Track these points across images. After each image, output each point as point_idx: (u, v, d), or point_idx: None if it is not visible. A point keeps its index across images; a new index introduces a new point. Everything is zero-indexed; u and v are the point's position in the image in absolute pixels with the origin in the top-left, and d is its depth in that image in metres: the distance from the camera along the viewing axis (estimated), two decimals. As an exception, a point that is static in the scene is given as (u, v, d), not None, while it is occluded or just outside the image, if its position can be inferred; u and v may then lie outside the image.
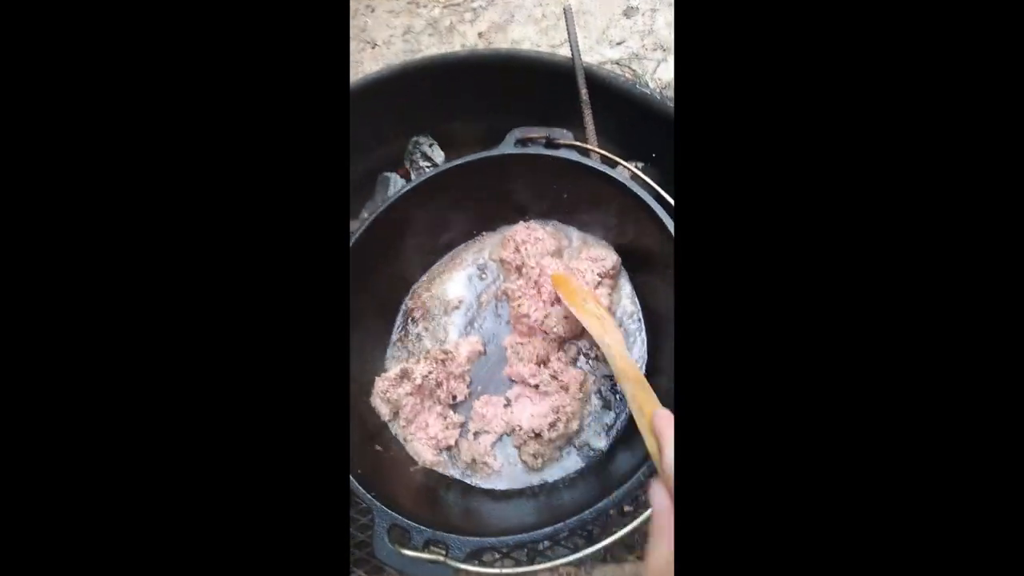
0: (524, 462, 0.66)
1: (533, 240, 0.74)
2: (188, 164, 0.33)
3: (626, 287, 0.75)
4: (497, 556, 0.61)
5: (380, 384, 0.70)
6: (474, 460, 0.66)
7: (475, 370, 0.74)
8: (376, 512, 0.54)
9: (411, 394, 0.69)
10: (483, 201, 0.77)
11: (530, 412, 0.66)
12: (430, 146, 1.22)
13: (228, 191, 0.33)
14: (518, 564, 0.53)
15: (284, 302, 0.33)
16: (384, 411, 0.70)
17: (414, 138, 1.21)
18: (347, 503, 0.66)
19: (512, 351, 0.72)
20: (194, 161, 0.33)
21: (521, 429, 0.66)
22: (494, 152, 0.69)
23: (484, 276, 0.80)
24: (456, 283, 0.80)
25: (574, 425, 0.66)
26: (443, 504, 0.62)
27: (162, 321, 0.32)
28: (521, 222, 0.78)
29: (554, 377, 0.68)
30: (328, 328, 0.34)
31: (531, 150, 0.68)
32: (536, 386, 0.68)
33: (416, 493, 0.63)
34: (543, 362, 0.70)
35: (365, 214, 0.98)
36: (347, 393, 0.63)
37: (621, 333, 0.64)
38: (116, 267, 0.31)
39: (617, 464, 0.63)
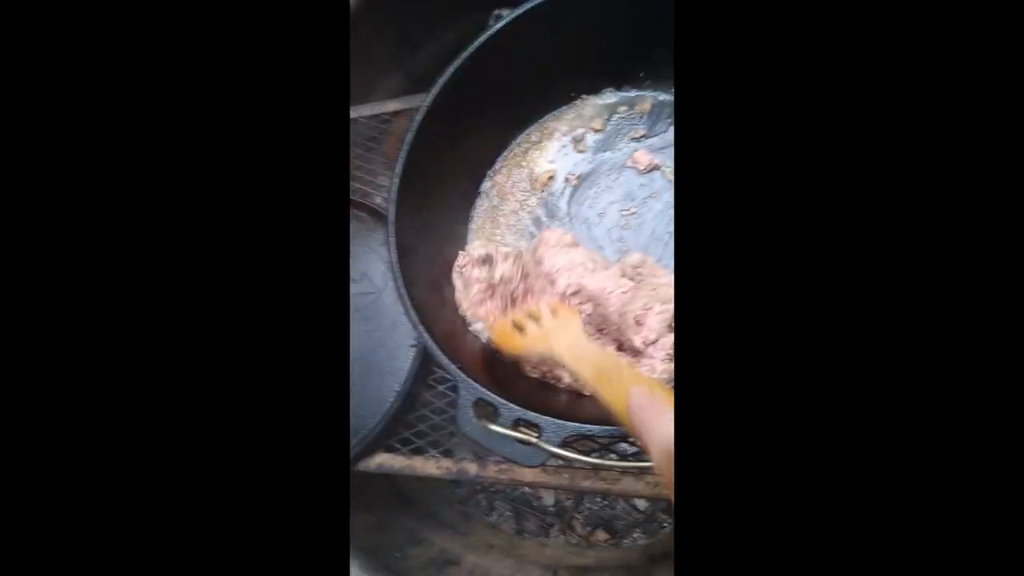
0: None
1: None
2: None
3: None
4: (594, 447, 0.55)
5: (460, 259, 0.63)
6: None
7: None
8: (460, 384, 0.48)
9: (483, 283, 0.62)
10: (590, 50, 0.64)
11: None
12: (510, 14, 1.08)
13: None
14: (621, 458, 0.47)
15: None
16: (459, 285, 0.63)
17: (496, 11, 1.07)
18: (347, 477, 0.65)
19: None
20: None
21: None
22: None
23: (583, 149, 0.69)
24: (548, 155, 0.70)
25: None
26: (520, 388, 0.56)
27: (157, 295, 0.30)
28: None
29: None
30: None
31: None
32: None
33: (492, 373, 0.56)
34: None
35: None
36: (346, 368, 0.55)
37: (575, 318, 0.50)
38: (120, 247, 0.30)
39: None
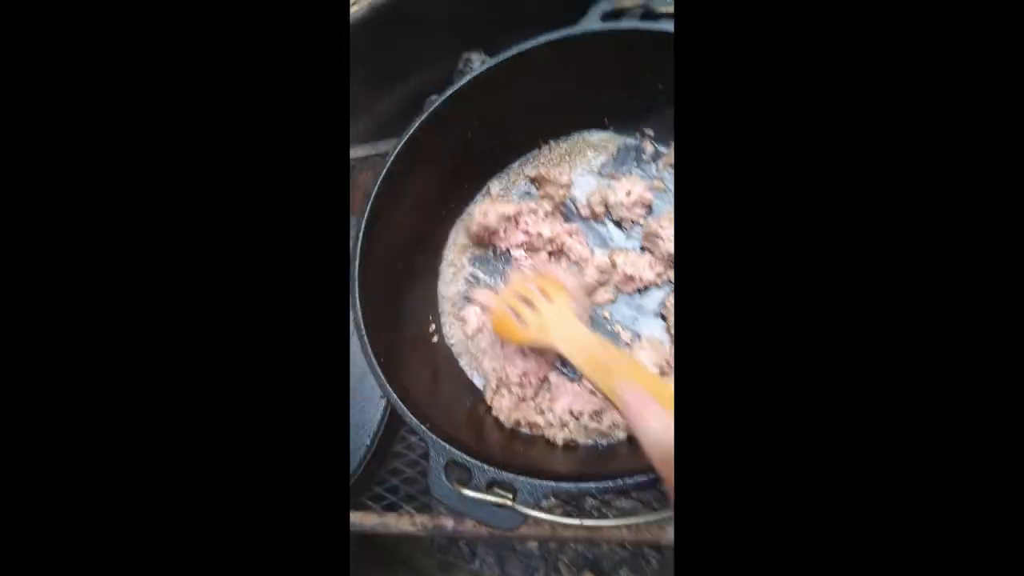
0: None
1: None
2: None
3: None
4: (556, 503, 0.54)
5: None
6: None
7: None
8: (432, 445, 0.47)
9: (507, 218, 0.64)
10: (553, 100, 0.65)
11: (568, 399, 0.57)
12: (482, 63, 1.10)
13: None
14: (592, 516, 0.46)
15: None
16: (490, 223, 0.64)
17: (465, 54, 1.09)
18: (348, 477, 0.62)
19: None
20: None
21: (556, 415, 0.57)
22: (574, 31, 0.56)
23: (532, 193, 0.70)
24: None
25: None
26: (489, 439, 0.55)
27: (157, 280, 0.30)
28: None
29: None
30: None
31: (625, 25, 0.54)
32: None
33: (468, 424, 0.55)
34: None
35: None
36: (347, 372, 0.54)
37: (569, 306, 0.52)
38: (121, 242, 0.30)
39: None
